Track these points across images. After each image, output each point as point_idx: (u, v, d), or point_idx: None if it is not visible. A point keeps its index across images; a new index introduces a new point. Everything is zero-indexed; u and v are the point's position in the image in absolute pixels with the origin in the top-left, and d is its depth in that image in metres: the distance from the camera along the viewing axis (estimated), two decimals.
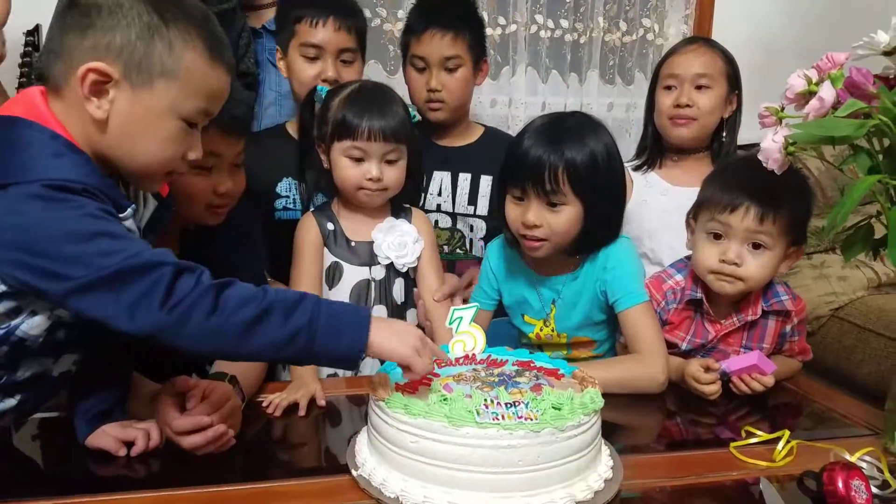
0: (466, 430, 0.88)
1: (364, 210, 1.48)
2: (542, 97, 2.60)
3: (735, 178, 1.34)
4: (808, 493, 0.97)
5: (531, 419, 0.89)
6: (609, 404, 0.99)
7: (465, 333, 1.09)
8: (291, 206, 1.74)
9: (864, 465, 1.01)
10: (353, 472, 0.98)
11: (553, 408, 0.92)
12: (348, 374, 1.43)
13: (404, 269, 1.50)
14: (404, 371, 0.95)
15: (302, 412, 1.22)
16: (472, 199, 1.89)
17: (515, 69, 2.54)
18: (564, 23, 2.57)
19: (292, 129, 1.75)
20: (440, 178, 1.88)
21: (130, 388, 1.14)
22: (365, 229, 1.48)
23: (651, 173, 1.89)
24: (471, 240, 1.91)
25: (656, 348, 1.33)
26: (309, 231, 1.47)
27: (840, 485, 0.92)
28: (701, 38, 2.20)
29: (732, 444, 1.11)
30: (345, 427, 1.23)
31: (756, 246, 1.31)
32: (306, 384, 1.27)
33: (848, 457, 1.03)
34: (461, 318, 1.08)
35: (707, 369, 1.30)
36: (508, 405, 0.92)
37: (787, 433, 1.10)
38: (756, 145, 1.13)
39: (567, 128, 1.35)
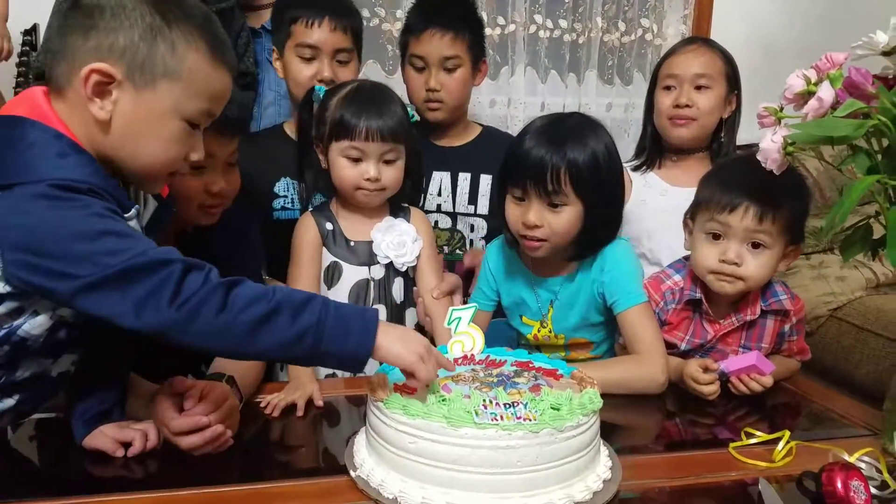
0: (465, 430, 0.88)
1: (363, 210, 1.48)
2: (541, 97, 2.60)
3: (733, 177, 1.34)
4: (807, 494, 0.97)
5: (530, 420, 0.89)
6: (608, 405, 0.99)
7: (464, 334, 1.09)
8: (290, 205, 1.74)
9: (862, 465, 1.01)
10: (352, 473, 0.98)
11: (552, 408, 0.92)
12: (346, 374, 1.42)
13: (403, 269, 1.50)
14: (408, 378, 0.95)
15: (300, 412, 1.22)
16: (473, 199, 1.89)
17: (514, 69, 2.54)
18: (563, 23, 2.57)
19: (290, 129, 1.75)
20: (440, 179, 1.88)
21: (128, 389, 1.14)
22: (364, 229, 1.48)
23: (650, 173, 1.89)
24: (471, 240, 1.91)
25: (655, 349, 1.33)
26: (308, 231, 1.47)
27: (839, 485, 0.92)
28: (700, 38, 2.20)
29: (731, 445, 1.11)
30: (343, 427, 1.23)
31: (755, 245, 1.31)
32: (304, 385, 1.27)
33: (847, 457, 1.03)
34: (460, 318, 1.08)
35: (706, 369, 1.30)
36: (507, 406, 0.92)
37: (787, 434, 1.10)
38: (755, 145, 1.13)
39: (567, 128, 1.35)
